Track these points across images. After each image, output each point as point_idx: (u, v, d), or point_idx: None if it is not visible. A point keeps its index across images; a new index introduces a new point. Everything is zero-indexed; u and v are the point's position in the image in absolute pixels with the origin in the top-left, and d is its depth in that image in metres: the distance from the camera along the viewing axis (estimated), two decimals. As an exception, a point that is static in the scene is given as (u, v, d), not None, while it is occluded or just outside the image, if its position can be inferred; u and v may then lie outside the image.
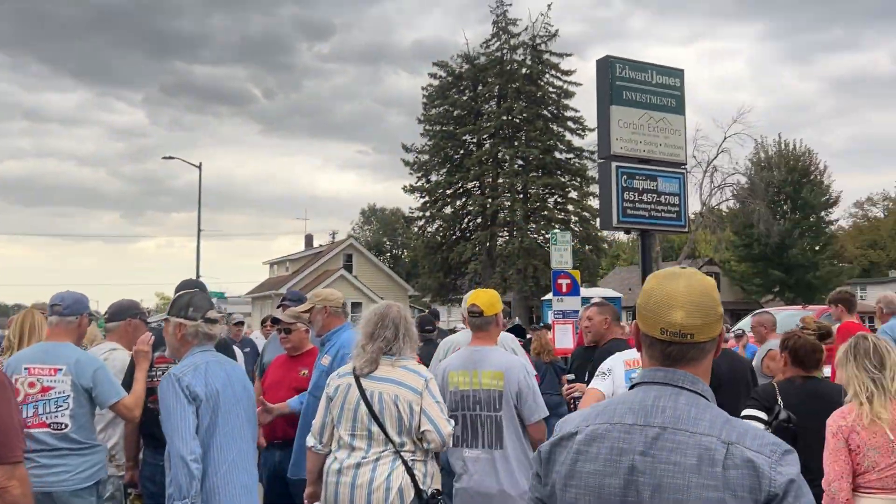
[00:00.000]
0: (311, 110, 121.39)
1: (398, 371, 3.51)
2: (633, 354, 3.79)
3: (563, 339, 9.73)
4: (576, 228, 40.98)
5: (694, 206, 38.28)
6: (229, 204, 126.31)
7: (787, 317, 15.29)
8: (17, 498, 2.51)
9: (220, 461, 3.13)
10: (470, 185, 43.08)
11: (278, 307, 5.00)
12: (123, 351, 4.52)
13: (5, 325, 5.48)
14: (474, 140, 42.75)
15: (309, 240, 51.28)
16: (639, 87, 12.87)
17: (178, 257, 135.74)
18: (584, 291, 11.07)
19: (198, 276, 32.14)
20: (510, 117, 41.51)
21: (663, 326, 1.63)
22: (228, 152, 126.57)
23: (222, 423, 3.17)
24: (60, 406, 3.78)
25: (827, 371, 4.66)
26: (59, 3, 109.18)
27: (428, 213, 43.42)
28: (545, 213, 41.58)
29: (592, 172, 39.66)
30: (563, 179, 41.71)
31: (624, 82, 12.63)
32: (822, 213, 47.80)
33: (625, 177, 12.40)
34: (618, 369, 3.73)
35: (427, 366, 4.30)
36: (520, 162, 41.46)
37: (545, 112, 41.81)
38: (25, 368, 3.81)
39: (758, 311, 11.17)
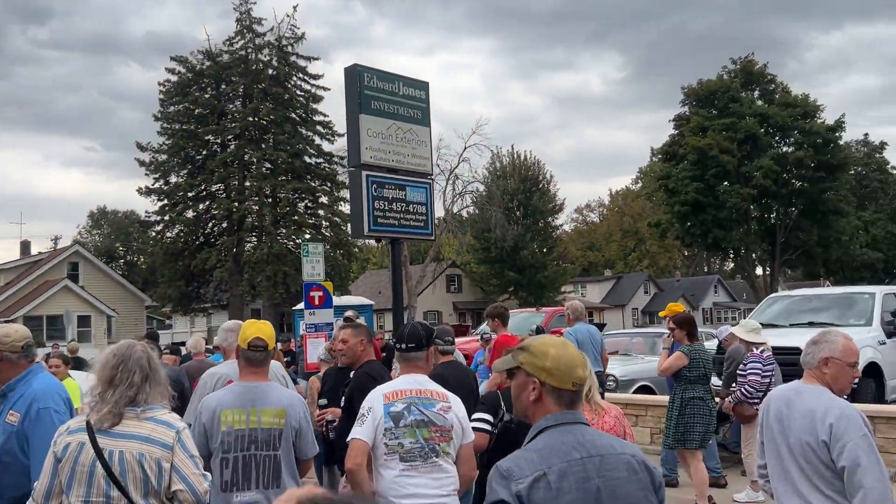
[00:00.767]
0: (26, 101, 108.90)
1: (145, 425, 3.05)
2: (392, 387, 3.69)
3: (316, 352, 9.48)
4: (327, 234, 40.83)
5: (438, 211, 39.99)
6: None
7: (523, 319, 16.38)
8: None
9: None
10: (214, 187, 41.10)
11: None
12: None
13: None
14: (218, 141, 40.88)
15: (25, 246, 45.60)
16: (387, 97, 13.01)
17: None
18: (337, 300, 10.90)
19: None
20: (257, 119, 40.29)
21: (574, 381, 2.28)
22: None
23: None
24: None
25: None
26: None
27: (167, 217, 40.64)
28: (295, 218, 40.89)
29: (343, 178, 39.77)
30: (313, 184, 41.32)
31: (372, 92, 12.68)
32: (550, 219, 52.34)
33: (375, 186, 12.46)
34: (377, 406, 3.59)
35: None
36: (268, 165, 40.38)
37: (293, 115, 41.15)
38: None
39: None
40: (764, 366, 7.48)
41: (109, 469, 2.95)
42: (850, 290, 11.95)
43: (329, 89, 41.69)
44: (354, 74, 12.63)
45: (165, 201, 40.44)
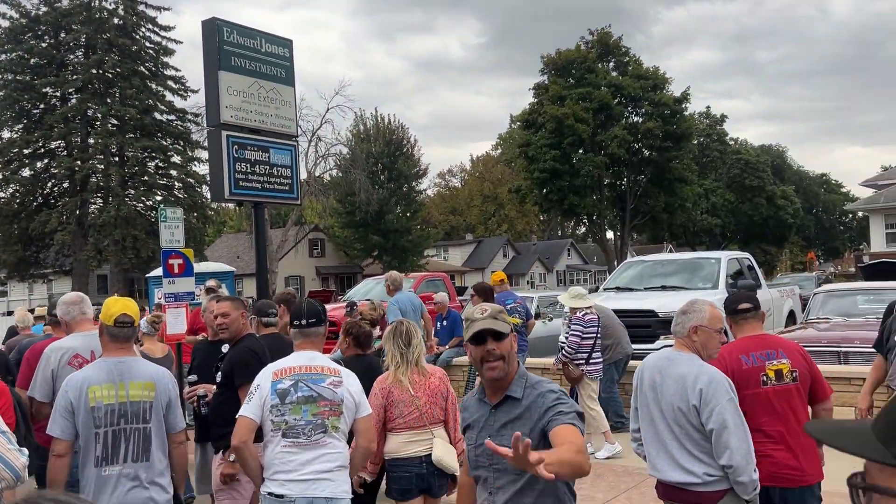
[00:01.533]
0: None
1: None
2: (281, 364, 3.70)
3: (176, 323, 9.02)
4: (180, 195, 38.89)
5: (300, 174, 39.02)
6: None
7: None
8: None
9: None
10: (54, 144, 38.00)
11: None
12: None
13: None
14: (58, 94, 37.75)
15: None
16: (248, 54, 12.46)
17: None
18: (195, 266, 10.39)
19: None
20: (101, 71, 37.48)
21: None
22: None
23: None
24: None
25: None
26: None
27: (0, 176, 37.28)
28: (145, 178, 38.58)
29: (197, 136, 37.92)
30: (164, 143, 39.08)
31: (233, 48, 12.10)
32: (414, 183, 52.43)
33: (236, 147, 11.95)
34: (265, 383, 3.62)
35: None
36: (114, 121, 37.77)
37: (142, 69, 38.60)
38: None
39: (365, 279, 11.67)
40: (585, 328, 7.78)
41: None
42: (698, 256, 12.75)
43: (181, 42, 39.47)
44: (213, 28, 11.96)
45: (-2, 158, 37.03)
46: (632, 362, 8.70)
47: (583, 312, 7.91)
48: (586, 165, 39.53)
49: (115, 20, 37.51)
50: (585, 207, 41.71)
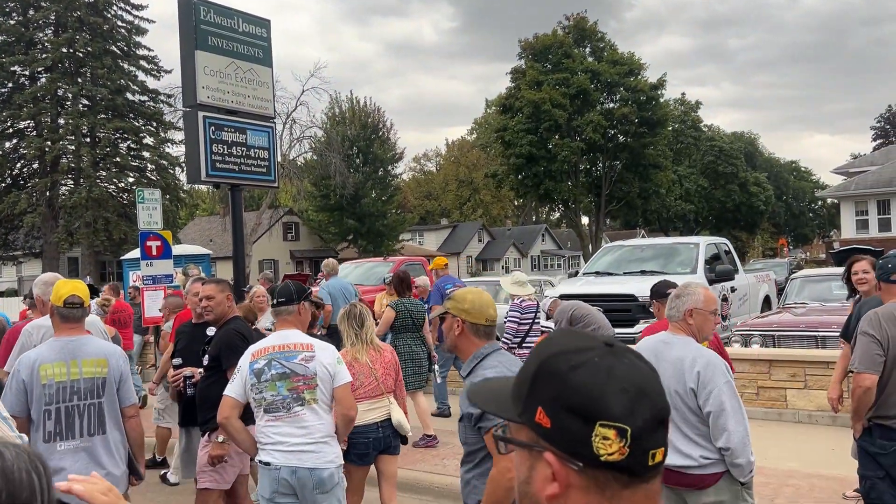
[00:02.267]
0: None
1: None
2: (258, 345, 3.94)
3: (154, 306, 8.90)
4: (153, 177, 38.31)
5: (277, 156, 38.59)
6: None
7: (369, 269, 16.31)
8: None
9: None
10: (23, 124, 37.19)
11: None
12: None
13: None
14: (26, 73, 36.91)
15: None
16: (226, 33, 12.30)
17: None
18: (173, 250, 10.26)
19: None
20: (72, 50, 36.69)
21: (486, 318, 2.95)
22: None
23: None
24: None
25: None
26: None
27: (-33, 156, 36.45)
28: (117, 159, 37.90)
29: (170, 117, 37.33)
30: (136, 123, 38.41)
31: (209, 27, 11.94)
32: (389, 167, 52.18)
33: (213, 128, 11.80)
34: (244, 364, 3.88)
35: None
36: (85, 101, 37.05)
37: (114, 48, 37.85)
38: None
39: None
40: (522, 314, 7.95)
41: None
42: (676, 241, 12.86)
43: (154, 21, 38.74)
44: (189, 7, 11.77)
45: (-35, 139, 36.19)
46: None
47: (520, 299, 8.05)
48: (563, 151, 39.57)
49: (87, -2, 36.71)
50: (561, 193, 41.76)
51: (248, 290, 10.45)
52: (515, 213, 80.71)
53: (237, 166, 12.26)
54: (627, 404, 0.97)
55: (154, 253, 8.91)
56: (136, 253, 16.45)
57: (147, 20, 38.73)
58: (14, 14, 36.73)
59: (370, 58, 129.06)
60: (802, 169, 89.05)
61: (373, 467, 5.05)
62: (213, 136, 11.71)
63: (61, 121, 36.59)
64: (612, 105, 42.84)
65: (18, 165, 37.97)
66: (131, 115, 38.24)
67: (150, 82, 39.13)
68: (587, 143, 40.57)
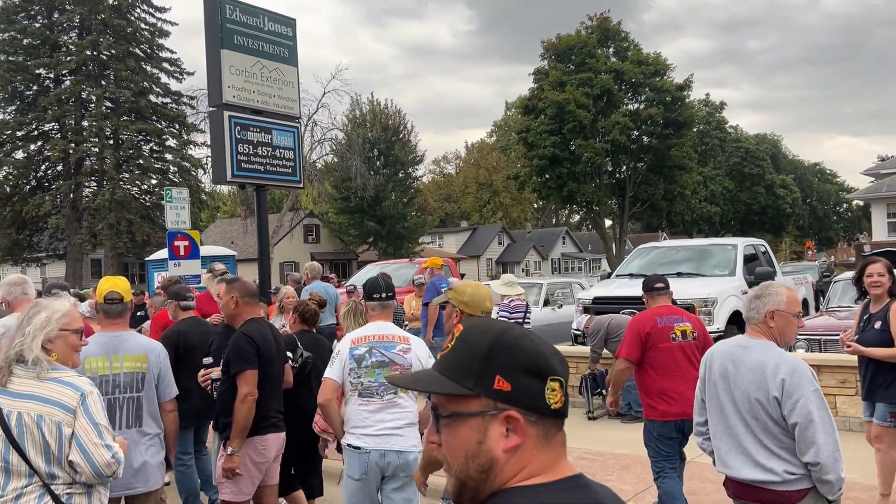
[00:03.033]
0: None
1: (47, 385, 2.88)
2: (358, 333, 4.15)
3: (182, 307, 8.73)
4: (175, 179, 38.42)
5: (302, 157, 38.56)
6: None
7: (394, 270, 16.09)
8: None
9: None
10: (47, 127, 37.49)
11: None
12: None
13: None
14: (51, 75, 37.20)
15: None
16: (251, 32, 12.14)
17: None
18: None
19: None
20: (96, 53, 36.91)
21: (482, 310, 3.28)
22: None
23: None
24: None
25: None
26: None
27: (-7, 159, 36.75)
28: (140, 161, 38.08)
29: (192, 119, 37.44)
30: (159, 125, 38.59)
31: (235, 25, 11.79)
32: (410, 170, 51.99)
33: (238, 128, 11.65)
34: (344, 349, 4.05)
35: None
36: (108, 104, 37.25)
37: (137, 50, 38.06)
38: None
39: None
40: (510, 314, 8.01)
41: (8, 431, 2.77)
42: (712, 242, 12.52)
43: (177, 24, 38.93)
44: (215, 5, 11.63)
45: (-9, 140, 36.49)
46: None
47: (509, 299, 8.18)
48: (587, 152, 39.18)
49: (110, 1, 36.91)
50: (585, 195, 41.32)
51: (274, 291, 10.29)
52: (535, 216, 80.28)
53: (263, 167, 12.11)
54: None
55: (182, 253, 8.76)
56: (161, 254, 16.35)
57: (170, 22, 39.00)
58: (39, 17, 37.03)
59: (386, 60, 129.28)
60: (827, 171, 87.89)
61: None
62: (238, 136, 11.57)
63: (85, 123, 36.82)
64: (636, 106, 42.38)
65: (43, 167, 38.27)
66: (154, 117, 38.41)
67: (173, 84, 39.34)
68: (611, 144, 40.15)
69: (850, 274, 12.79)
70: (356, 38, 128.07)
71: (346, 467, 4.10)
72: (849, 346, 5.28)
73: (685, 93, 41.39)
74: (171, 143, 39.38)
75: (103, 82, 37.08)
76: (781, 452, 3.12)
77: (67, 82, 36.84)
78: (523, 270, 61.59)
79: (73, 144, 36.09)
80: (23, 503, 2.75)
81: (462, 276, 25.73)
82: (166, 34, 38.77)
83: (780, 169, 66.53)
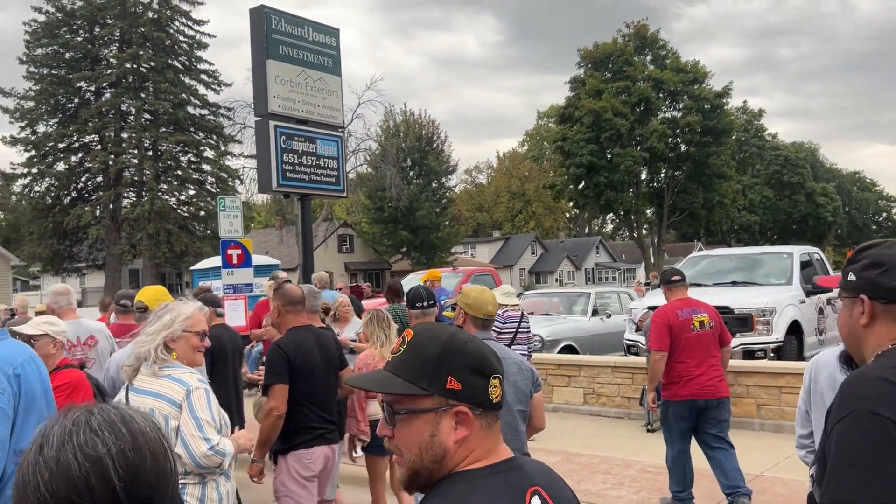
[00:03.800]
0: None
1: (160, 381, 3.13)
2: None
3: (235, 315, 8.70)
4: (213, 190, 38.80)
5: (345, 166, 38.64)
6: None
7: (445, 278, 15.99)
8: None
9: None
10: (88, 138, 38.12)
11: None
12: None
13: None
14: (92, 88, 37.84)
15: None
16: (296, 42, 12.17)
17: None
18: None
19: None
20: (135, 66, 37.49)
21: (485, 313, 3.61)
22: None
23: None
24: None
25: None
26: None
27: (35, 170, 37.42)
28: (178, 172, 38.56)
29: (230, 130, 37.82)
30: (197, 136, 39.04)
31: (280, 36, 11.83)
32: (443, 180, 52.03)
33: (284, 137, 11.66)
34: None
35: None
36: (147, 116, 37.79)
37: (176, 63, 38.58)
38: None
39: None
40: (503, 324, 8.10)
41: None
42: (766, 250, 12.21)
43: (215, 36, 39.40)
44: (261, 16, 11.68)
45: (33, 152, 37.15)
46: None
47: (504, 310, 8.32)
48: (625, 160, 38.84)
49: (150, 14, 37.51)
50: (623, 203, 40.97)
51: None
52: (567, 226, 79.78)
53: (307, 176, 12.10)
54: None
55: (235, 261, 8.72)
56: (205, 263, 16.43)
57: (208, 35, 39.48)
58: (81, 31, 37.71)
59: (416, 71, 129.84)
60: (867, 180, 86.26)
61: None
62: (283, 146, 11.59)
63: (125, 135, 37.36)
64: (675, 114, 41.97)
65: (84, 179, 38.87)
66: (192, 128, 38.87)
67: (211, 96, 39.79)
68: (649, 152, 39.76)
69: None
70: (385, 51, 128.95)
71: None
72: None
73: (724, 100, 40.92)
74: (209, 153, 39.82)
75: (143, 94, 37.64)
76: None
77: (108, 95, 37.45)
78: (556, 280, 61.15)
79: (112, 156, 36.63)
80: None
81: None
82: (204, 46, 39.28)
83: (818, 177, 65.45)
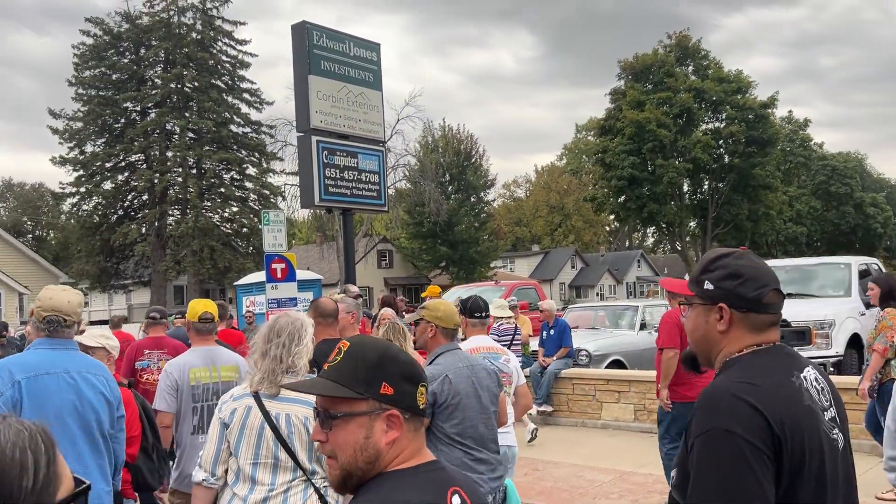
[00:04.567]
0: None
1: None
2: (471, 345, 4.58)
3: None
4: (255, 206, 39.25)
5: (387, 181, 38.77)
6: None
7: (481, 292, 15.82)
8: None
9: None
10: (134, 157, 38.92)
11: None
12: None
13: None
14: (138, 108, 38.67)
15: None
16: (337, 58, 12.18)
17: None
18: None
19: None
20: (179, 85, 38.21)
21: (454, 323, 3.76)
22: None
23: None
24: None
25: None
26: None
27: (83, 189, 38.28)
28: (221, 190, 39.12)
29: (272, 147, 38.26)
30: (240, 154, 39.57)
31: (322, 51, 11.85)
32: (482, 194, 51.88)
33: (325, 152, 11.66)
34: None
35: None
36: (191, 134, 38.45)
37: (219, 82, 39.24)
38: None
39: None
40: (499, 336, 8.21)
41: (277, 431, 3.04)
42: (822, 261, 11.81)
43: (257, 56, 39.99)
44: (303, 32, 11.73)
45: (81, 172, 38.05)
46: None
47: (499, 323, 8.50)
48: (668, 172, 38.26)
49: (194, 35, 38.23)
50: (666, 215, 40.32)
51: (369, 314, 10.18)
52: (608, 239, 78.96)
53: (349, 190, 12.09)
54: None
55: (279, 276, 8.68)
56: (249, 279, 16.51)
57: (250, 54, 40.06)
58: (127, 53, 38.58)
59: (452, 88, 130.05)
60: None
61: None
62: (325, 161, 11.58)
63: (169, 153, 38.04)
64: (718, 124, 41.31)
65: (129, 197, 39.62)
66: (235, 146, 39.42)
67: (253, 114, 40.32)
68: (692, 163, 39.13)
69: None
70: (421, 68, 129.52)
71: None
72: None
73: (769, 110, 40.12)
74: (251, 171, 40.31)
75: (186, 114, 38.30)
76: None
77: (153, 114, 38.19)
78: (597, 294, 60.45)
79: (157, 174, 37.32)
80: (292, 496, 3.07)
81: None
82: (247, 66, 39.89)
83: (866, 188, 63.78)
